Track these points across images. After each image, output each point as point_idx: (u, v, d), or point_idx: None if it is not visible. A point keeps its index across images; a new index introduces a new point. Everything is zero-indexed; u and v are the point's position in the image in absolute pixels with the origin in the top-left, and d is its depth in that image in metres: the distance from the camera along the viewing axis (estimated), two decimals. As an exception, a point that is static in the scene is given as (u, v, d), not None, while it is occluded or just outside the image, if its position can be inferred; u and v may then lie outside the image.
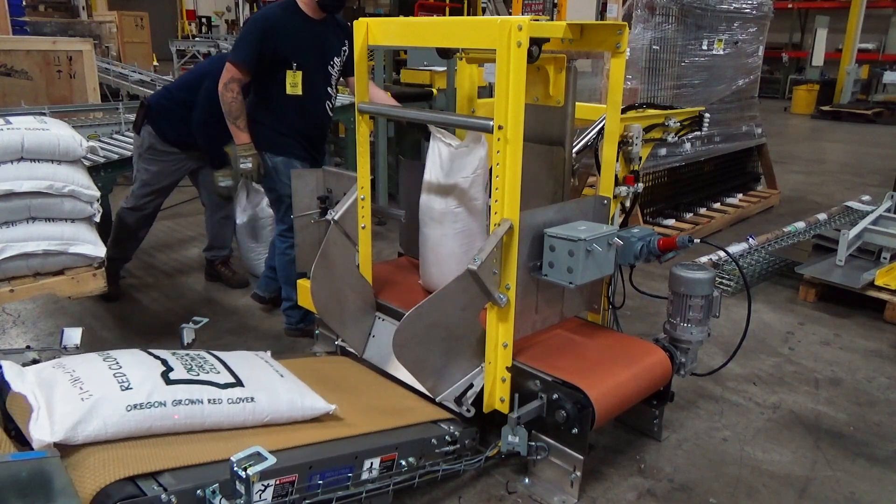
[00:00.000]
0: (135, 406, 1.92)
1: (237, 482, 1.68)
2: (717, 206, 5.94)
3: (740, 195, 6.29)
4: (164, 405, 1.96)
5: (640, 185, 2.81)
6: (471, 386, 2.47)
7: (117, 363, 2.09)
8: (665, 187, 5.49)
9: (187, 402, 2.01)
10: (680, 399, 2.96)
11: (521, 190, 2.23)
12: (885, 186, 6.91)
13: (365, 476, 2.16)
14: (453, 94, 4.41)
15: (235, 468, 1.67)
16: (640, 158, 2.89)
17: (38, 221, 2.71)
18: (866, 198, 6.08)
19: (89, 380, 1.97)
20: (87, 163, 3.03)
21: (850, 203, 5.93)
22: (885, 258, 4.19)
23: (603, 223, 2.53)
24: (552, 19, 6.07)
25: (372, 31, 2.58)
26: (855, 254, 4.28)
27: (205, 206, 4.25)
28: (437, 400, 2.47)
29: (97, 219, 2.88)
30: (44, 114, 4.36)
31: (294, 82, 3.18)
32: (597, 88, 6.11)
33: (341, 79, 3.46)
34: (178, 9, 23.35)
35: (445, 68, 5.63)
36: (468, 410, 2.43)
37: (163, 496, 1.72)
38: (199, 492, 1.77)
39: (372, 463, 2.17)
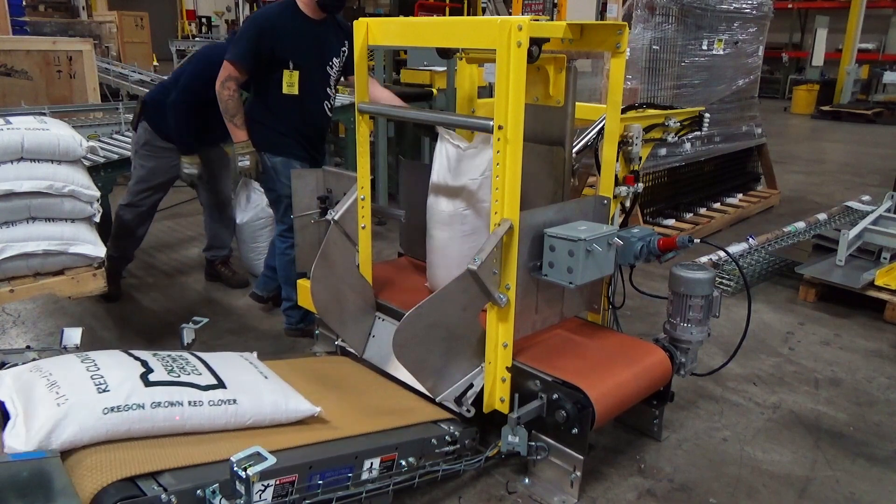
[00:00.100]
0: (112, 409, 1.88)
1: (237, 482, 1.68)
2: (717, 206, 5.94)
3: (740, 195, 6.29)
4: (143, 407, 1.93)
5: (640, 185, 2.81)
6: (471, 386, 2.47)
7: (95, 365, 2.05)
8: (665, 187, 5.49)
9: (167, 404, 1.97)
10: (680, 399, 2.96)
11: (521, 190, 2.23)
12: (885, 186, 6.91)
13: (365, 476, 2.16)
14: (453, 94, 4.41)
15: (235, 468, 1.67)
16: (640, 158, 2.88)
17: (38, 221, 2.71)
18: (866, 198, 6.07)
19: (66, 383, 1.94)
20: (87, 163, 3.03)
21: (850, 203, 5.92)
22: (885, 258, 4.19)
23: (603, 223, 2.53)
24: (552, 19, 6.07)
25: (372, 31, 2.58)
26: (855, 254, 4.28)
27: (203, 207, 4.26)
28: (437, 400, 2.47)
29: (97, 219, 2.88)
30: (44, 114, 4.36)
31: (291, 82, 3.18)
32: (597, 88, 6.11)
33: (342, 78, 3.46)
34: (178, 9, 23.36)
35: (445, 68, 5.63)
36: (468, 410, 2.43)
37: (163, 496, 1.72)
38: (199, 492, 1.77)
39: (372, 463, 2.17)
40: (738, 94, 6.14)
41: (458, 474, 2.43)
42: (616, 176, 2.70)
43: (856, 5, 14.54)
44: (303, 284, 3.16)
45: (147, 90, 7.30)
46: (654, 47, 5.16)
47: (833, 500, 2.42)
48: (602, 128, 2.70)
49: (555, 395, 2.29)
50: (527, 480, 2.42)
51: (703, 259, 4.43)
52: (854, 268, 4.14)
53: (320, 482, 2.03)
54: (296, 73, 3.18)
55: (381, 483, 2.17)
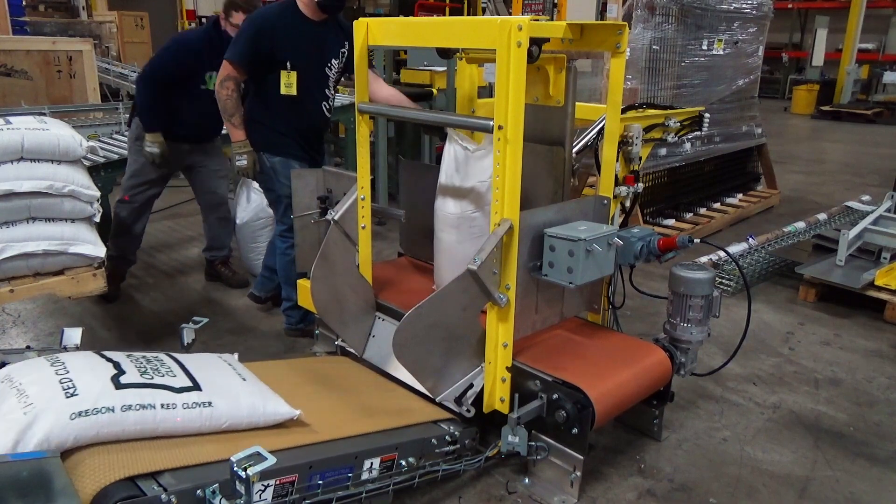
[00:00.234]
0: (79, 413, 1.83)
1: (237, 482, 1.68)
2: (717, 206, 5.94)
3: (740, 195, 6.29)
4: (112, 410, 1.87)
5: (640, 185, 2.81)
6: (471, 386, 2.47)
7: (65, 368, 2.00)
8: (665, 187, 5.49)
9: (138, 406, 1.92)
10: (680, 399, 2.96)
11: (521, 190, 2.23)
12: (885, 186, 6.91)
13: (365, 476, 2.16)
14: (453, 94, 4.41)
15: (235, 468, 1.67)
16: (640, 158, 2.88)
17: (38, 221, 2.71)
18: (866, 198, 6.07)
19: (34, 390, 1.89)
20: (87, 163, 3.03)
21: (850, 203, 5.93)
22: (885, 258, 4.19)
23: (603, 223, 2.53)
24: (552, 19, 6.07)
25: (372, 31, 2.58)
26: (855, 254, 4.28)
27: (201, 208, 4.26)
28: (437, 400, 2.47)
29: (97, 219, 2.88)
30: (44, 114, 4.37)
31: (288, 82, 3.18)
32: (597, 88, 6.11)
33: (342, 79, 3.46)
34: (178, 9, 23.32)
35: (445, 68, 5.63)
36: (468, 410, 2.43)
37: (163, 496, 1.72)
38: (199, 492, 1.77)
39: (372, 463, 2.17)
40: (738, 94, 6.14)
41: (458, 474, 2.43)
42: (616, 176, 2.70)
43: (856, 5, 14.54)
44: (303, 284, 3.16)
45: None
46: (654, 47, 5.16)
47: (833, 500, 2.42)
48: (602, 128, 2.70)
49: (555, 395, 2.29)
50: (527, 480, 2.42)
51: (703, 259, 4.43)
52: (854, 268, 4.14)
53: (320, 482, 2.03)
54: (293, 74, 3.18)
55: (381, 483, 2.17)
